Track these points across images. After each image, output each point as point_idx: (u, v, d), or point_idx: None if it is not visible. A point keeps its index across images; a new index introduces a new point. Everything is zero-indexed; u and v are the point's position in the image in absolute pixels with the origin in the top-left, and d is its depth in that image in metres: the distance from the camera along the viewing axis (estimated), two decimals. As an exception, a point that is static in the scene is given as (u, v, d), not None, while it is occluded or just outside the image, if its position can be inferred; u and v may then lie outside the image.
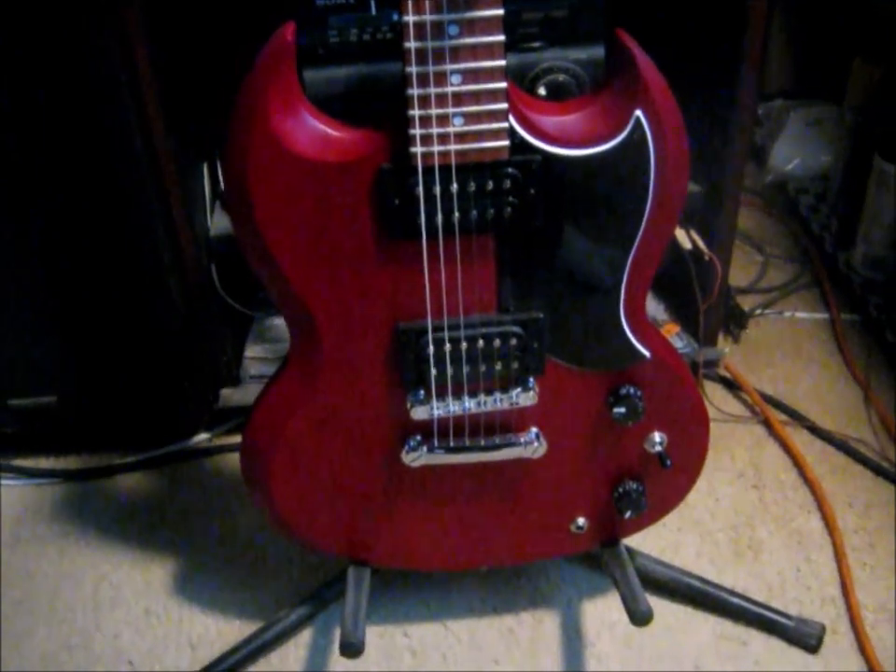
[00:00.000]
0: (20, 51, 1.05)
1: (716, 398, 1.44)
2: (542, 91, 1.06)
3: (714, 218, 1.29)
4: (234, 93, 0.79)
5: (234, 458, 1.35)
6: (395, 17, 1.02)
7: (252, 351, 1.40)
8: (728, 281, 1.38)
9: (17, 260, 1.20)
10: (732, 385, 1.47)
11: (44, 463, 1.40)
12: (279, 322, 1.40)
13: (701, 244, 1.31)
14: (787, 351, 1.53)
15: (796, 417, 1.41)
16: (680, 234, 1.31)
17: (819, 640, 1.12)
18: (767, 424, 1.40)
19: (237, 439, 1.36)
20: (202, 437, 1.41)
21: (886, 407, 1.41)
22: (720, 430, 1.38)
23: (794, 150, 1.83)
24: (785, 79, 1.92)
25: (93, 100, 1.09)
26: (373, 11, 1.03)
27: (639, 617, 0.99)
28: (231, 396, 1.35)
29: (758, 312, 1.59)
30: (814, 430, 1.39)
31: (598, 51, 1.05)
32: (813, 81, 1.90)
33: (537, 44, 1.06)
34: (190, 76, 1.24)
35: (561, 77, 1.05)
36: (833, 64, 1.80)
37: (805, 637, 1.12)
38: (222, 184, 1.29)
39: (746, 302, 1.58)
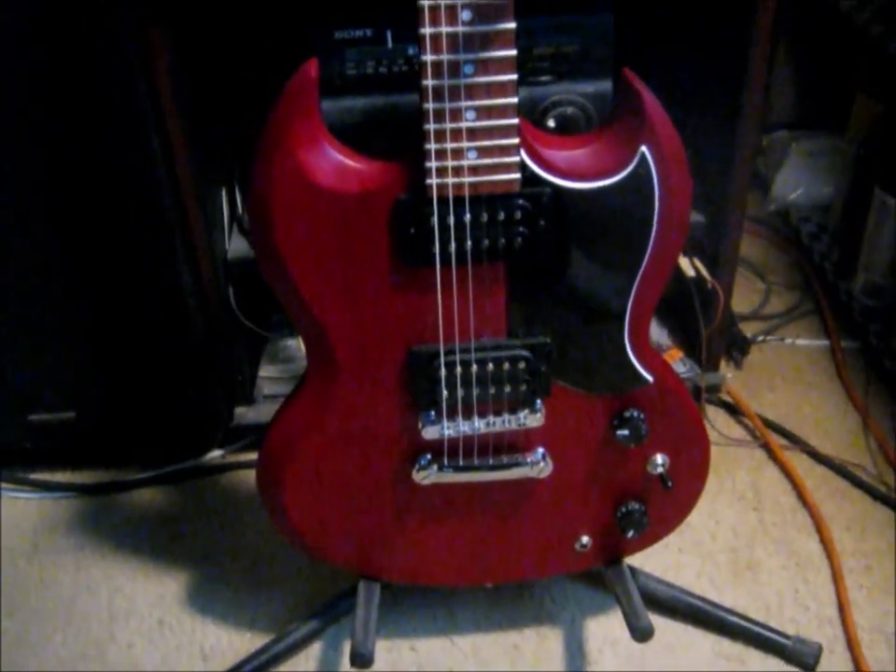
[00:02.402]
0: (44, 77, 1.09)
1: (718, 422, 1.47)
2: (551, 122, 1.10)
3: (717, 247, 1.32)
4: (255, 121, 0.83)
5: (247, 475, 1.40)
6: (410, 50, 1.06)
7: (266, 371, 1.43)
8: (731, 308, 1.42)
9: (39, 278, 1.23)
10: (733, 410, 1.50)
11: (61, 477, 1.43)
12: (293, 343, 1.44)
13: (704, 272, 1.34)
14: (788, 377, 1.56)
15: (796, 442, 1.44)
16: (684, 262, 1.35)
17: (816, 660, 1.15)
18: (768, 448, 1.43)
19: (250, 456, 1.40)
20: (215, 454, 1.44)
21: (884, 433, 1.44)
22: (721, 454, 1.41)
23: (797, 180, 1.86)
24: (788, 111, 1.96)
25: (117, 125, 1.13)
26: (389, 45, 1.07)
27: (641, 633, 1.02)
28: (245, 414, 1.39)
29: (760, 338, 1.62)
30: (813, 455, 1.42)
31: (606, 85, 1.09)
32: (816, 113, 1.94)
33: (547, 78, 1.10)
34: (212, 103, 1.28)
35: (570, 110, 1.09)
36: (836, 97, 1.84)
37: (803, 657, 1.15)
38: (240, 209, 1.33)
39: (748, 329, 1.62)
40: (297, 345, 1.41)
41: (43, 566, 1.31)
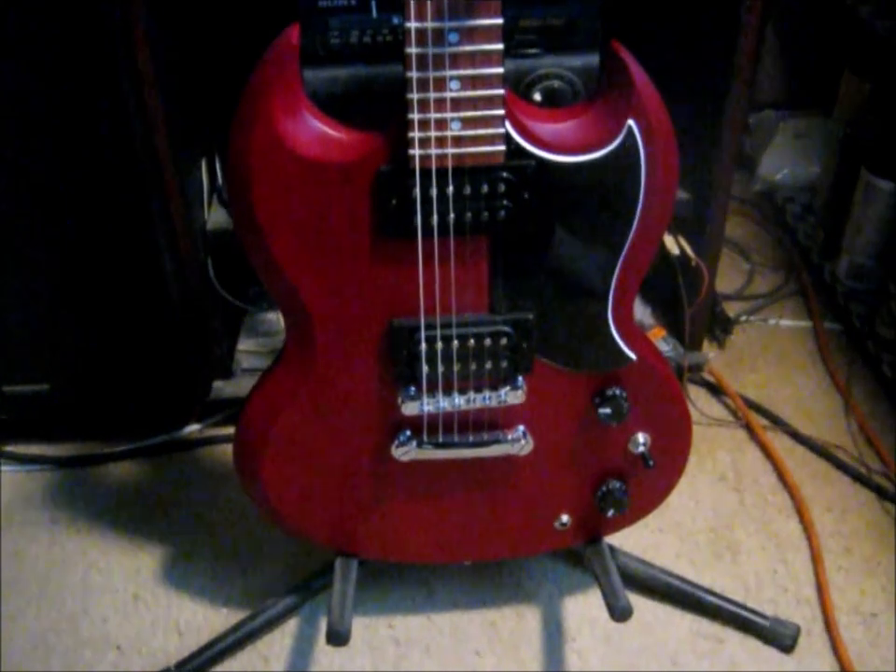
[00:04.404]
0: (20, 47, 1.07)
1: (700, 401, 1.47)
2: (538, 96, 1.08)
3: (702, 226, 1.31)
4: (235, 89, 0.81)
5: (224, 449, 1.39)
6: (395, 20, 1.04)
7: (245, 344, 1.42)
8: (714, 287, 1.41)
9: (13, 248, 1.21)
10: (715, 390, 1.49)
11: (36, 450, 1.41)
12: (272, 316, 1.42)
13: (689, 250, 1.34)
14: (770, 358, 1.56)
15: (778, 423, 1.43)
16: (669, 240, 1.34)
17: (794, 641, 1.15)
18: (749, 428, 1.43)
19: (228, 430, 1.39)
20: (193, 427, 1.43)
21: (865, 415, 1.44)
22: (702, 434, 1.41)
23: (783, 160, 1.85)
24: (775, 90, 1.95)
25: (94, 95, 1.11)
26: (374, 14, 1.05)
27: (619, 613, 1.02)
28: (223, 388, 1.37)
29: (743, 318, 1.62)
30: (795, 436, 1.42)
31: (593, 59, 1.07)
32: (803, 92, 1.93)
33: (533, 50, 1.08)
34: (191, 71, 1.26)
35: (556, 84, 1.08)
36: (823, 76, 1.83)
37: (781, 637, 1.15)
38: (220, 179, 1.31)
39: (731, 309, 1.61)
40: (276, 319, 1.39)
41: (17, 539, 1.29)
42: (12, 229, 1.20)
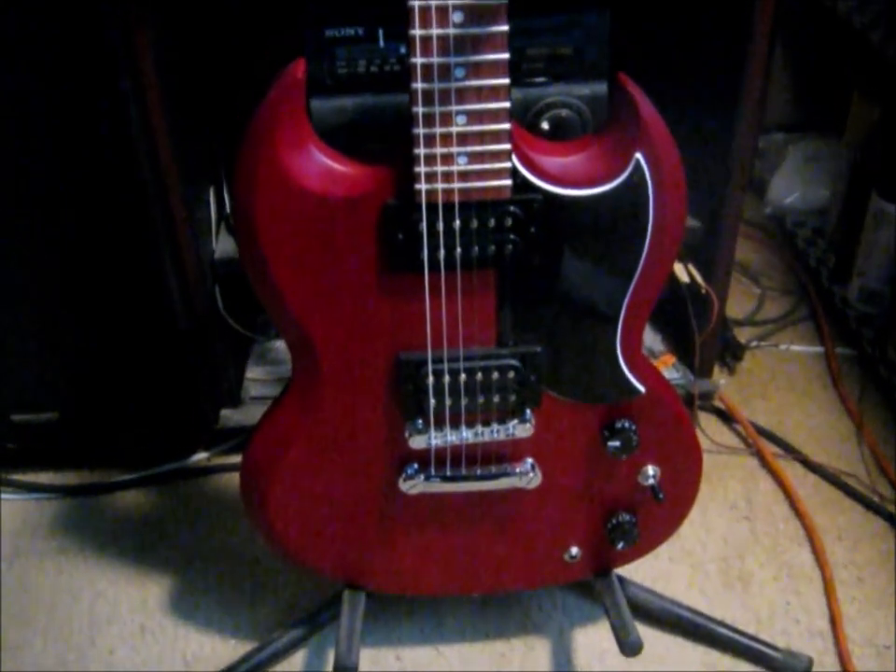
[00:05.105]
0: (28, 77, 1.07)
1: (710, 429, 1.46)
2: (546, 125, 1.08)
3: (712, 253, 1.31)
4: (243, 118, 0.81)
5: (232, 478, 1.38)
6: (402, 50, 1.04)
7: (253, 373, 1.41)
8: (725, 313, 1.40)
9: (22, 278, 1.21)
10: (726, 417, 1.48)
11: (43, 478, 1.41)
12: (280, 345, 1.42)
13: (698, 277, 1.33)
14: (781, 384, 1.55)
15: (789, 450, 1.42)
16: (678, 268, 1.33)
17: (807, 673, 1.14)
18: (760, 456, 1.42)
19: (235, 459, 1.38)
20: (200, 456, 1.43)
21: (878, 442, 1.43)
22: (713, 461, 1.40)
23: (793, 184, 1.85)
24: (785, 113, 1.94)
25: (100, 120, 1.11)
26: (381, 44, 1.05)
27: (629, 648, 1.01)
28: (231, 416, 1.37)
29: (754, 344, 1.61)
30: (806, 463, 1.40)
31: (601, 88, 1.07)
32: (813, 116, 1.93)
33: (541, 79, 1.08)
34: (199, 97, 1.26)
35: (564, 113, 1.07)
36: (833, 100, 1.82)
37: (793, 670, 1.13)
38: (228, 207, 1.31)
39: (742, 334, 1.60)
40: (284, 347, 1.38)
41: (24, 569, 1.29)
42: (20, 258, 1.20)
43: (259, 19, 1.24)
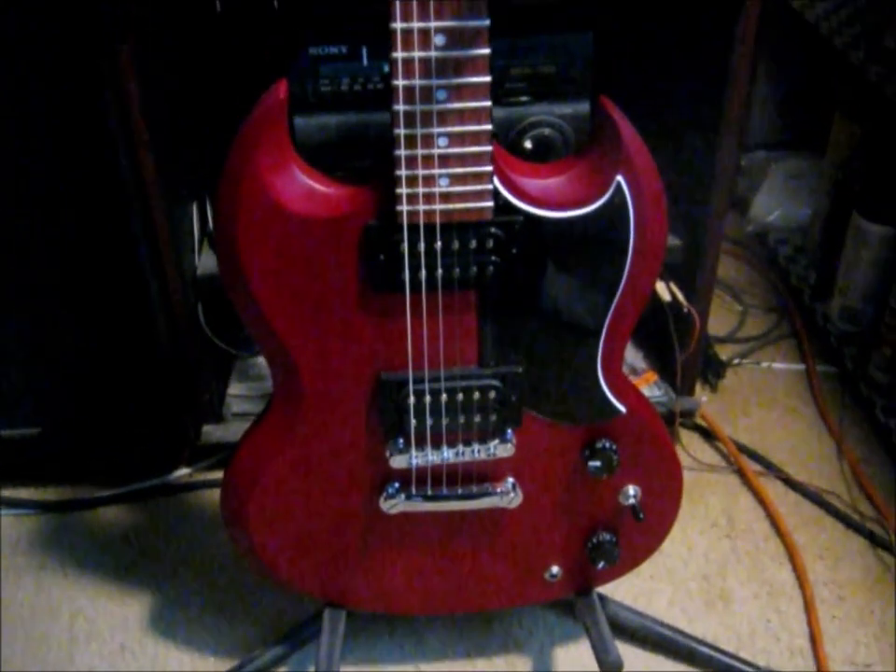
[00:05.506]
0: (11, 92, 1.08)
1: (692, 446, 1.46)
2: (528, 144, 1.08)
3: (694, 271, 1.31)
4: (227, 135, 0.81)
5: (214, 494, 1.37)
6: (386, 68, 1.05)
7: (235, 389, 1.41)
8: (707, 331, 1.41)
9: (3, 294, 1.21)
10: (708, 435, 1.49)
11: (24, 494, 1.40)
12: (262, 361, 1.41)
13: (680, 296, 1.33)
14: (763, 401, 1.55)
15: (770, 468, 1.42)
16: (660, 286, 1.33)
17: (787, 692, 1.14)
18: (742, 474, 1.42)
19: (217, 475, 1.38)
20: (182, 472, 1.42)
21: (858, 459, 1.43)
22: (694, 479, 1.40)
23: (775, 202, 1.86)
24: (767, 131, 1.95)
25: (85, 139, 1.11)
26: (365, 62, 1.06)
27: (610, 666, 1.01)
28: (213, 432, 1.36)
29: (735, 361, 1.61)
30: (787, 481, 1.41)
31: (584, 107, 1.08)
32: (794, 134, 1.94)
33: (524, 98, 1.09)
34: (183, 116, 1.26)
35: (547, 132, 1.08)
36: (815, 118, 1.83)
37: (773, 689, 1.14)
38: (211, 224, 1.31)
39: (724, 352, 1.61)
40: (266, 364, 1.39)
41: (2, 584, 1.28)
42: (2, 276, 1.19)
43: (245, 36, 1.24)
